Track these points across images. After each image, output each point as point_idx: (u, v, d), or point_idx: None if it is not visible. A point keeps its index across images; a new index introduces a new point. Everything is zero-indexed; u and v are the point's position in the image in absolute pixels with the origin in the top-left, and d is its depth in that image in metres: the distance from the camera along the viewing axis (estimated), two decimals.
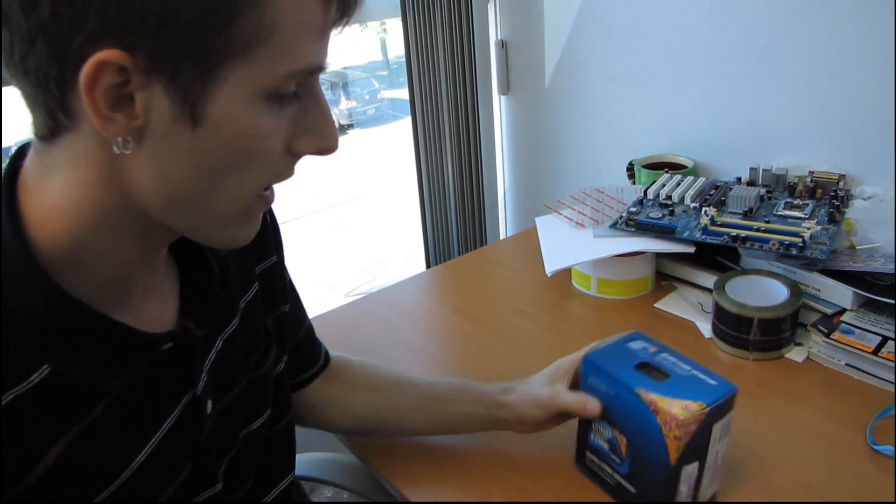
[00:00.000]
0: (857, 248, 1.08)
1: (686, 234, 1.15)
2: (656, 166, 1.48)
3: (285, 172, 0.56)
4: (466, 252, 1.74)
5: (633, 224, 1.20)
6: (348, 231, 3.78)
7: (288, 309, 0.82)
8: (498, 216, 1.99)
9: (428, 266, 1.87)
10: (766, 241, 1.08)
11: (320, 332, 1.15)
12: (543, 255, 1.22)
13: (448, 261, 1.44)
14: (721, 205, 1.22)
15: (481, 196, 1.82)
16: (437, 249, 1.81)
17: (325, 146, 0.56)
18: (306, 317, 0.89)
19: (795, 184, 1.25)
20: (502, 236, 2.02)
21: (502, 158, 1.95)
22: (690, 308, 1.17)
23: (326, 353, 0.92)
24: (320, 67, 0.53)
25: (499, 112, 1.89)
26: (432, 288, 1.34)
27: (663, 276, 1.26)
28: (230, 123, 0.50)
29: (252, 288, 0.73)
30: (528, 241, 1.45)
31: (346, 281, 3.10)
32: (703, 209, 1.19)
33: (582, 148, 1.73)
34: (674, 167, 1.45)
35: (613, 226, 1.21)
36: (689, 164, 1.46)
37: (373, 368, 0.93)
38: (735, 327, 1.04)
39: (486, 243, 1.93)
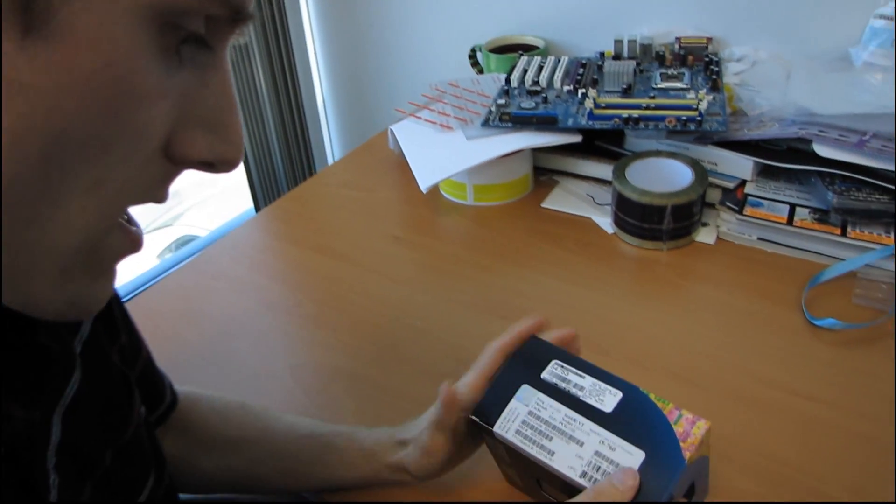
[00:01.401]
0: (749, 114, 1.01)
1: (570, 121, 1.02)
2: (504, 50, 1.34)
3: (159, 186, 0.37)
4: (296, 186, 1.52)
5: (508, 118, 1.05)
6: None
7: (125, 338, 0.59)
8: (323, 137, 1.77)
9: (258, 208, 1.63)
10: (662, 118, 0.98)
11: (153, 309, 0.91)
12: (413, 169, 1.05)
13: (289, 192, 1.23)
14: (595, 84, 1.10)
15: (301, 116, 1.59)
16: (265, 186, 1.58)
17: (224, 153, 0.37)
18: (143, 341, 0.66)
19: (663, 53, 1.16)
20: (330, 160, 1.81)
21: (317, 66, 1.72)
22: (581, 202, 1.06)
23: (172, 390, 0.70)
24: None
25: (307, 13, 1.64)
26: (280, 229, 1.13)
27: (540, 171, 1.14)
28: (96, 47, 0.29)
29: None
30: (371, 156, 1.27)
31: (159, 243, 2.74)
32: (581, 92, 1.06)
33: (412, 41, 1.54)
34: (524, 49, 1.31)
35: (486, 123, 1.06)
36: (540, 43, 1.33)
37: (226, 414, 0.72)
38: (644, 218, 0.94)
39: (314, 171, 1.71)
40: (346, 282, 0.98)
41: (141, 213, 0.38)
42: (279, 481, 0.72)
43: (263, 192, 1.61)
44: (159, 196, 0.38)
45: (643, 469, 0.54)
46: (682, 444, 0.54)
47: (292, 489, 0.73)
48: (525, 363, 0.62)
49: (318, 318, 0.93)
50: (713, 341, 0.82)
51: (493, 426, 0.59)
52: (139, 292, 1.03)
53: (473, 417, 0.60)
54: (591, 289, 0.92)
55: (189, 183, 2.68)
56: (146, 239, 0.40)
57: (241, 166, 1.56)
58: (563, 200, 1.07)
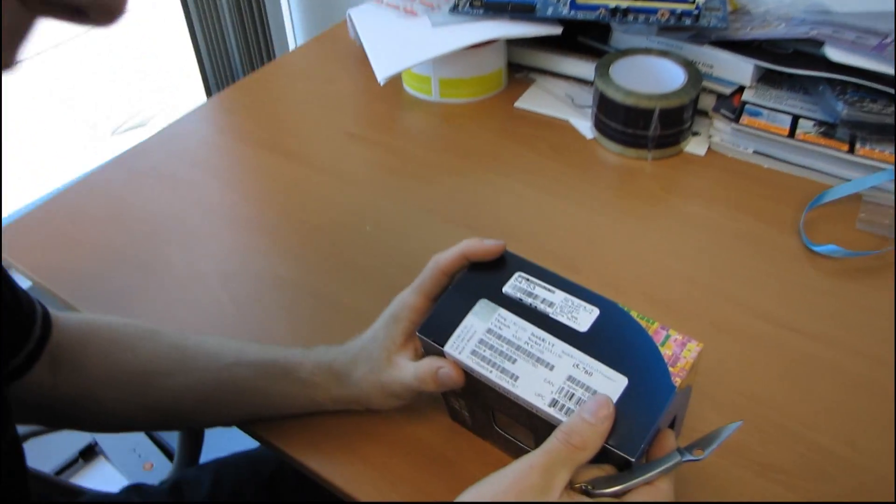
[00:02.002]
0: (753, 11, 0.89)
1: (549, 11, 0.90)
2: None
3: (10, 41, 0.31)
4: (252, 71, 1.39)
5: (479, 4, 0.93)
6: (105, 62, 3.10)
7: None
8: (284, 21, 1.61)
9: (209, 94, 1.49)
10: (654, 11, 0.86)
11: (79, 209, 0.79)
12: (370, 58, 0.93)
13: (239, 81, 1.09)
14: None
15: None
16: (217, 72, 1.43)
17: None
18: (2, 270, 0.54)
19: None
20: (291, 46, 1.66)
21: None
22: (559, 103, 0.95)
23: (46, 321, 0.59)
24: None
25: None
26: (226, 121, 1.00)
27: (515, 67, 1.02)
28: None
29: None
30: (335, 43, 1.14)
31: (110, 119, 2.56)
32: None
33: None
34: None
35: (455, 9, 0.94)
36: None
37: (132, 345, 0.61)
38: (629, 122, 0.84)
39: (274, 56, 1.57)
40: (291, 182, 0.87)
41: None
42: (202, 416, 0.62)
43: (217, 80, 1.47)
44: (9, 57, 0.31)
45: (626, 397, 0.45)
46: (671, 369, 0.45)
47: (219, 423, 0.63)
48: (484, 275, 0.52)
49: (256, 221, 0.82)
50: (698, 264, 0.73)
51: (443, 345, 0.49)
52: (62, 190, 0.90)
53: (421, 335, 0.51)
54: (565, 198, 0.82)
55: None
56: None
57: (192, 49, 1.42)
58: (540, 100, 0.96)
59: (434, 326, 0.50)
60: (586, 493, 0.44)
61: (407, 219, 0.81)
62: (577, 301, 0.50)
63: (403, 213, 0.81)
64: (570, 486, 0.44)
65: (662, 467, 0.44)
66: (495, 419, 0.55)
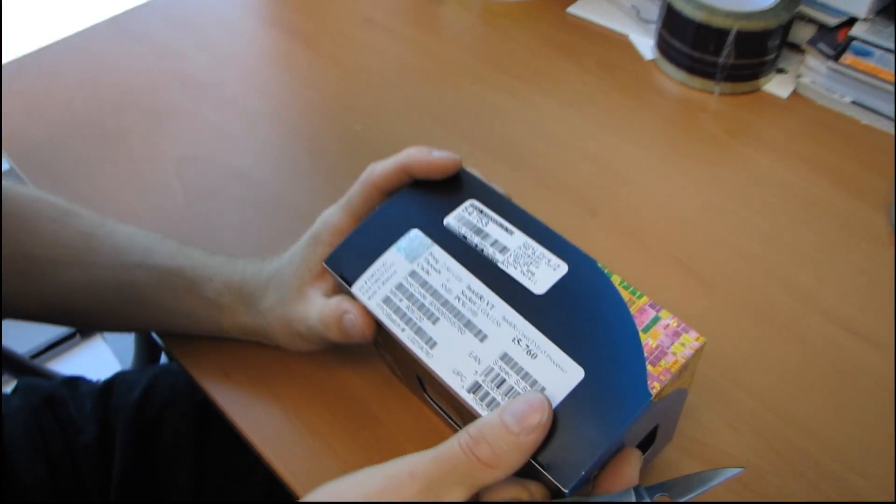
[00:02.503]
0: None
1: None
2: None
3: None
4: None
5: None
6: None
7: None
8: None
9: None
10: None
11: (71, 61, 0.68)
12: None
13: None
14: None
15: None
16: None
17: None
18: None
19: None
20: None
21: None
22: (620, 14, 0.78)
23: None
24: None
25: None
26: None
27: None
28: None
29: None
30: None
31: None
32: None
33: None
34: None
35: None
36: None
37: (35, 226, 0.50)
38: (697, 44, 0.66)
39: None
40: (287, 64, 0.74)
41: None
42: (99, 319, 0.52)
43: None
44: None
45: (577, 398, 0.31)
46: (649, 368, 0.31)
47: (119, 329, 0.53)
48: (425, 198, 0.38)
49: (237, 104, 0.70)
50: (755, 233, 0.57)
51: (352, 285, 0.36)
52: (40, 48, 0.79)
53: (327, 266, 0.37)
54: (602, 127, 0.66)
55: None
56: None
57: None
58: (598, 7, 0.79)
59: (346, 257, 0.37)
60: None
61: (408, 125, 0.67)
62: (540, 250, 0.35)
63: (406, 118, 0.67)
64: None
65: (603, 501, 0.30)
66: (424, 386, 0.42)
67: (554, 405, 0.31)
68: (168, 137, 0.66)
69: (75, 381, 0.65)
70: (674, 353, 0.32)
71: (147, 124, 0.68)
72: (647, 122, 0.67)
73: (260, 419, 0.48)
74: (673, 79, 0.71)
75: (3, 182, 0.53)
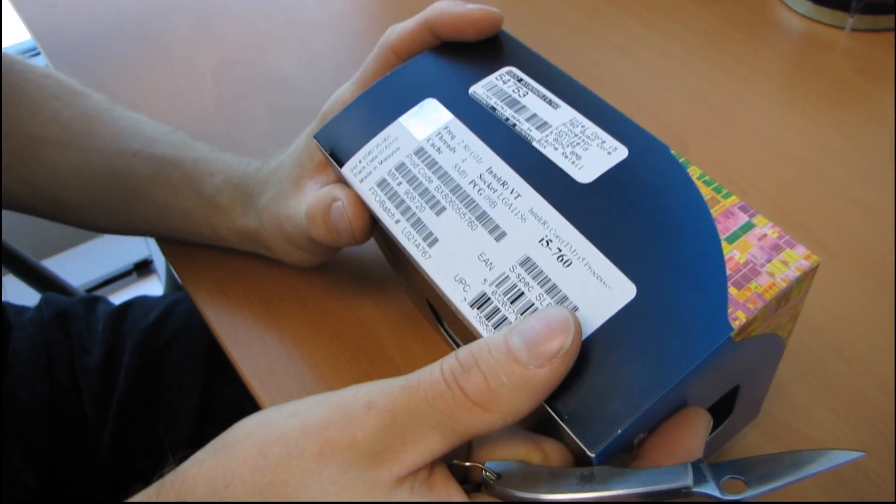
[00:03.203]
0: None
1: None
2: None
3: None
4: None
5: None
6: None
7: None
8: None
9: None
10: None
11: None
12: None
13: None
14: None
15: None
16: None
17: None
18: None
19: None
20: None
21: None
22: None
23: None
24: None
25: None
26: None
27: None
28: None
29: None
30: None
31: None
32: None
33: None
34: None
35: None
36: None
37: (37, 104, 0.44)
38: None
39: None
40: None
41: None
42: (91, 213, 0.45)
43: None
44: None
45: (621, 325, 0.22)
46: (732, 291, 0.21)
47: (110, 228, 0.46)
48: (449, 63, 0.29)
49: (288, 9, 0.62)
50: (880, 183, 0.45)
51: (343, 164, 0.27)
52: None
53: (316, 140, 0.29)
54: (708, 59, 0.55)
55: None
56: None
57: None
58: None
59: (341, 131, 0.29)
60: (487, 486, 0.21)
61: None
62: (592, 128, 0.26)
63: None
64: (450, 463, 0.21)
65: (649, 489, 0.20)
66: (438, 314, 0.33)
67: (587, 332, 0.21)
68: (211, 41, 0.60)
69: (94, 301, 0.59)
70: (770, 274, 0.22)
71: (191, 26, 0.61)
72: (761, 57, 0.55)
73: (254, 347, 0.40)
74: (796, 11, 0.58)
75: (10, 55, 0.47)
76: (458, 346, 0.34)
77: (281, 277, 0.43)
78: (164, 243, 0.46)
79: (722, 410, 0.27)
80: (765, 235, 0.23)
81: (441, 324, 0.34)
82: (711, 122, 0.50)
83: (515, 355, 0.20)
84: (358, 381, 0.38)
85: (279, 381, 0.39)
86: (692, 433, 0.22)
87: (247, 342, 0.41)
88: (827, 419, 0.34)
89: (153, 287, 1.23)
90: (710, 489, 0.20)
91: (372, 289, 0.42)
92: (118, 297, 1.20)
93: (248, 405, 0.48)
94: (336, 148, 0.28)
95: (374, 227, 0.29)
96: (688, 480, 0.20)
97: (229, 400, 0.50)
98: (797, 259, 0.22)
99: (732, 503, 0.20)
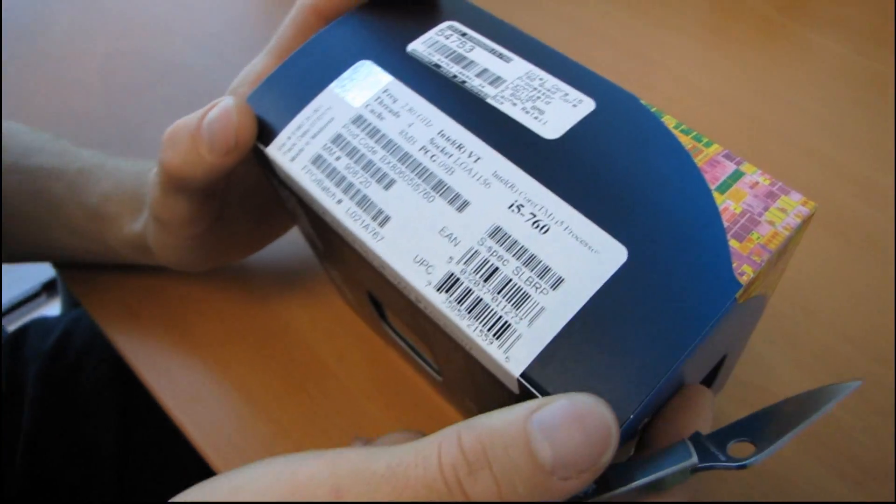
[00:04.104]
0: None
1: None
2: None
3: None
4: None
5: None
6: None
7: None
8: None
9: None
10: None
11: None
12: None
13: None
14: None
15: None
16: None
17: None
18: None
19: None
20: None
21: None
22: None
23: None
24: None
25: None
26: None
27: None
28: None
29: None
30: None
31: None
32: None
33: None
34: None
35: None
36: None
37: None
38: None
39: None
40: None
41: None
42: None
43: None
44: None
45: (615, 293, 0.19)
46: (733, 244, 0.19)
47: (20, 257, 0.40)
48: (381, 21, 0.25)
49: None
50: (816, 122, 0.44)
51: (267, 143, 0.23)
52: None
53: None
54: (627, 7, 0.53)
55: None
56: None
57: None
58: None
59: (260, 108, 0.24)
60: None
61: None
62: (552, 81, 0.23)
63: None
64: None
65: (654, 477, 0.17)
66: (381, 309, 0.29)
67: (579, 304, 0.18)
68: (95, 33, 0.54)
69: None
70: (770, 223, 0.19)
71: (71, 18, 0.55)
72: (686, 3, 0.54)
73: (173, 372, 0.36)
74: None
75: None
76: (407, 343, 0.31)
77: (196, 291, 0.38)
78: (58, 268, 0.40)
79: (708, 382, 0.25)
80: (756, 183, 0.20)
81: (384, 320, 0.30)
82: (640, 73, 0.48)
83: (539, 461, 0.16)
84: (293, 396, 0.34)
85: (206, 407, 0.34)
86: (695, 413, 0.20)
87: (165, 368, 0.36)
88: (793, 375, 0.33)
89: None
90: (718, 460, 0.18)
91: (297, 291, 0.38)
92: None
93: (169, 431, 0.44)
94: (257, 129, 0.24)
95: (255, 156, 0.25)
96: (693, 457, 0.18)
97: (151, 423, 0.45)
98: (795, 206, 0.20)
99: (747, 467, 0.17)
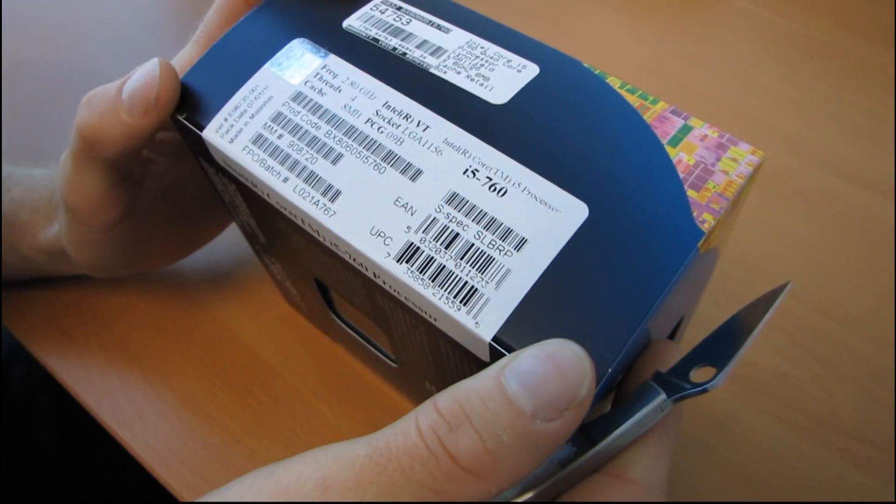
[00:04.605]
0: None
1: None
2: None
3: None
4: None
5: None
6: None
7: None
8: None
9: None
10: None
11: None
12: None
13: None
14: None
15: None
16: None
17: None
18: None
19: None
20: None
21: None
22: None
23: None
24: None
25: None
26: None
27: None
28: None
29: None
30: None
31: None
32: None
33: None
34: None
35: None
36: None
37: None
38: None
39: None
40: None
41: None
42: None
43: None
44: None
45: (579, 251, 0.18)
46: (691, 193, 0.19)
47: None
48: (311, 0, 0.25)
49: None
50: (744, 84, 0.45)
51: (203, 127, 0.22)
52: None
53: (180, 118, 0.23)
54: None
55: None
56: None
57: None
58: None
59: (191, 94, 0.23)
60: None
61: None
62: (494, 49, 0.22)
63: None
64: None
65: (631, 423, 0.17)
66: (329, 299, 0.28)
67: (545, 264, 0.18)
68: None
69: None
70: (725, 172, 0.19)
71: None
72: None
73: (114, 391, 0.34)
74: None
75: None
76: (357, 333, 0.30)
77: (130, 302, 0.36)
78: None
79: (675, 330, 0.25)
80: (705, 136, 0.20)
81: (332, 310, 0.29)
82: (563, 45, 0.48)
83: (518, 406, 0.15)
84: (240, 402, 0.33)
85: (150, 423, 0.32)
86: (665, 366, 0.20)
87: (104, 387, 0.34)
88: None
89: None
90: (684, 389, 0.18)
91: (236, 294, 0.37)
92: None
93: (119, 455, 0.41)
94: (191, 112, 0.23)
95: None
96: (661, 393, 0.18)
97: (100, 449, 0.42)
98: (745, 155, 0.20)
99: (712, 388, 0.17)
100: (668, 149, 0.20)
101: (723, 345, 0.18)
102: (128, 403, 0.33)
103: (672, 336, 0.25)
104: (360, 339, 0.29)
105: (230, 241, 0.38)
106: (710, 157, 0.20)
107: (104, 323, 0.36)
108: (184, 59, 0.27)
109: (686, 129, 0.20)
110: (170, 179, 0.31)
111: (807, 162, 0.41)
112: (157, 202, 0.31)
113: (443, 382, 0.24)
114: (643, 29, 0.49)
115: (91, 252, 0.30)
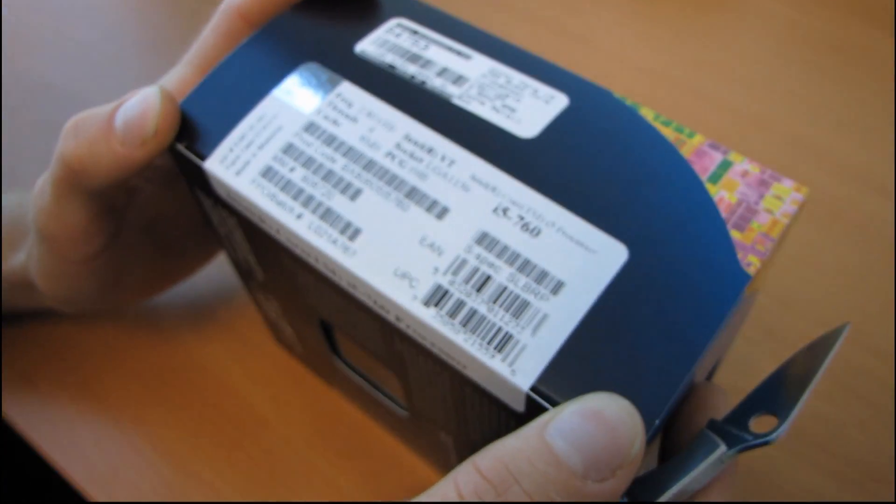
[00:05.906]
0: None
1: None
2: None
3: None
4: None
5: None
6: None
7: None
8: None
9: None
10: None
11: None
12: None
13: None
14: None
15: None
16: None
17: None
18: None
19: None
20: None
21: None
22: None
23: None
24: None
25: None
26: None
27: None
28: None
29: None
30: None
31: None
32: None
33: None
34: None
35: None
36: None
37: None
38: None
39: None
40: None
41: None
42: None
43: None
44: None
45: (620, 294, 0.19)
46: (734, 234, 0.20)
47: None
48: (319, 21, 0.26)
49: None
50: (747, 83, 0.46)
51: (206, 157, 0.23)
52: None
53: (179, 147, 0.24)
54: None
55: None
56: None
57: None
58: None
59: (194, 119, 0.24)
60: None
61: None
62: (519, 77, 0.23)
63: None
64: None
65: (690, 477, 0.18)
66: (333, 342, 0.29)
67: (584, 309, 0.19)
68: None
69: None
70: (769, 211, 0.20)
71: None
72: None
73: (83, 444, 0.34)
74: None
75: None
76: (364, 378, 0.30)
77: (103, 344, 0.37)
78: None
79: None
80: (746, 172, 0.21)
81: (335, 353, 0.30)
82: (572, 51, 0.49)
83: (569, 466, 0.16)
84: (230, 458, 0.33)
85: (128, 480, 0.33)
86: (714, 411, 0.20)
87: (74, 443, 0.34)
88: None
89: None
90: (746, 440, 0.18)
91: (221, 334, 0.37)
92: None
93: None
94: (193, 140, 0.23)
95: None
96: (720, 445, 0.19)
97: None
98: (789, 192, 0.21)
99: (776, 439, 0.18)
100: (709, 186, 0.21)
101: (780, 392, 0.19)
102: (101, 460, 0.33)
103: (709, 377, 0.26)
104: (365, 386, 0.30)
105: (213, 276, 0.38)
106: (752, 194, 0.21)
107: (74, 367, 0.36)
108: (174, 81, 0.27)
109: (726, 165, 0.21)
110: (154, 208, 0.31)
111: (837, 179, 0.42)
112: (139, 232, 0.31)
113: (462, 434, 0.24)
114: (655, 32, 0.51)
115: (64, 284, 0.30)
